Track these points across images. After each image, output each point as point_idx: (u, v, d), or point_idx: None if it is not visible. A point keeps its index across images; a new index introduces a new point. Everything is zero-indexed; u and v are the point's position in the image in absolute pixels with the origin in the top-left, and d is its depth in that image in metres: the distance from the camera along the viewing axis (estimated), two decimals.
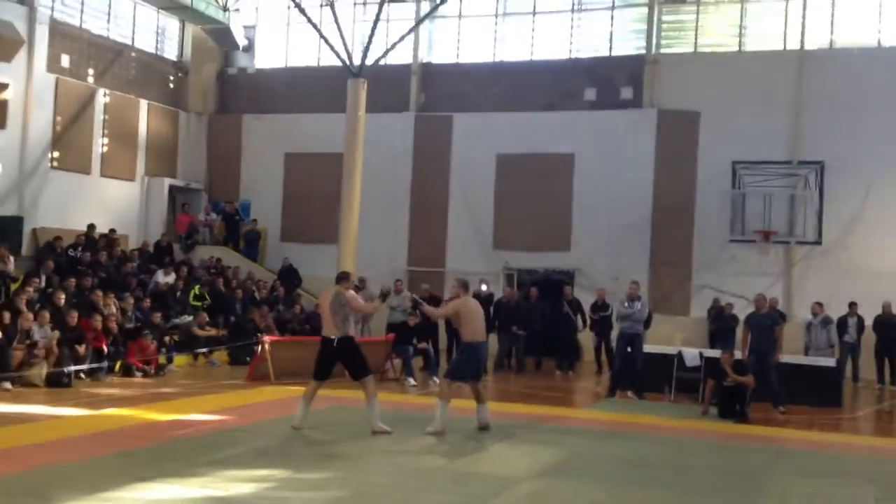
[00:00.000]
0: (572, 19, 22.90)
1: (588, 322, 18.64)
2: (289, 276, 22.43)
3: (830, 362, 15.85)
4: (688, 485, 8.42)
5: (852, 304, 18.28)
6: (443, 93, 23.41)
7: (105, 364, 14.46)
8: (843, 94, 20.13)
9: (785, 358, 14.35)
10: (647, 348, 15.30)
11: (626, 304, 14.75)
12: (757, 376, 13.23)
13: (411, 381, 15.38)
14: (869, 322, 18.24)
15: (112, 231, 20.82)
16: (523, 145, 22.17)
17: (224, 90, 25.39)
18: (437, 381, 15.63)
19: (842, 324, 17.97)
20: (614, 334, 15.85)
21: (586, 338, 19.05)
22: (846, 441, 11.88)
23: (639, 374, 14.67)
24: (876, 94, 20.03)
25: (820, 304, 17.60)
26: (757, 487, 8.45)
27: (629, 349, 14.63)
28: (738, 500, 7.88)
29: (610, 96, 22.09)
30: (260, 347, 15.32)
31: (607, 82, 22.23)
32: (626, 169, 21.34)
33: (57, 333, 13.67)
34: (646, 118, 21.52)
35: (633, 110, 21.76)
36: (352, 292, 10.22)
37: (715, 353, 14.59)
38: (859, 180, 19.84)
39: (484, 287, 18.05)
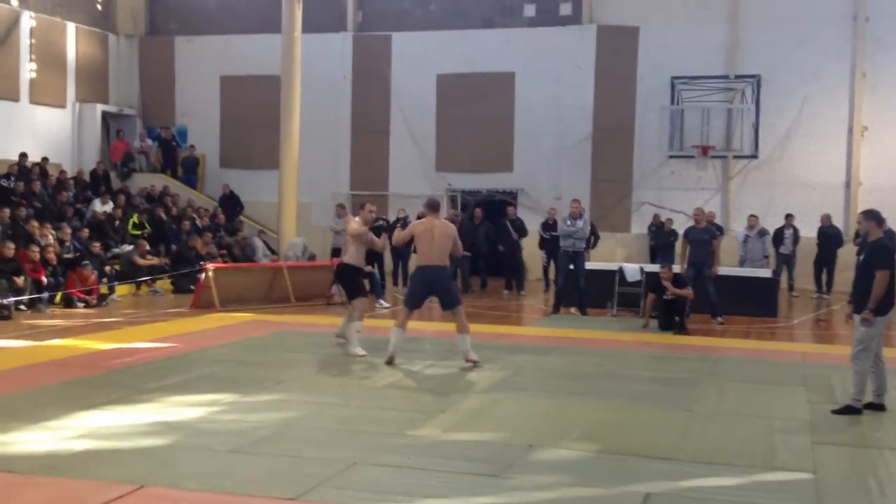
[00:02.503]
0: None
1: (538, 241, 18.85)
2: (230, 203, 22.14)
3: (766, 273, 16.31)
4: (626, 394, 8.68)
5: (788, 216, 18.73)
6: (380, 10, 22.96)
7: (45, 295, 14.27)
8: (778, 7, 20.21)
9: (722, 270, 14.71)
10: (590, 265, 15.54)
11: (569, 222, 14.95)
12: (695, 289, 13.57)
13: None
14: (808, 233, 18.73)
15: (45, 160, 20.28)
16: (463, 65, 21.94)
17: (154, 11, 24.55)
18: (384, 304, 15.77)
19: (778, 235, 18.44)
20: None
21: (533, 256, 19.25)
22: (781, 348, 12.27)
23: (582, 291, 14.93)
24: (810, 7, 20.15)
25: (755, 217, 17.99)
26: (694, 394, 8.74)
27: (572, 266, 14.89)
28: (675, 406, 8.14)
29: (549, 12, 21.86)
30: (203, 275, 15.22)
31: None
32: (566, 87, 21.30)
33: None
34: (585, 34, 21.40)
35: (573, 27, 21.60)
36: (350, 218, 10.83)
37: (655, 267, 14.90)
38: (794, 93, 20.07)
39: None
